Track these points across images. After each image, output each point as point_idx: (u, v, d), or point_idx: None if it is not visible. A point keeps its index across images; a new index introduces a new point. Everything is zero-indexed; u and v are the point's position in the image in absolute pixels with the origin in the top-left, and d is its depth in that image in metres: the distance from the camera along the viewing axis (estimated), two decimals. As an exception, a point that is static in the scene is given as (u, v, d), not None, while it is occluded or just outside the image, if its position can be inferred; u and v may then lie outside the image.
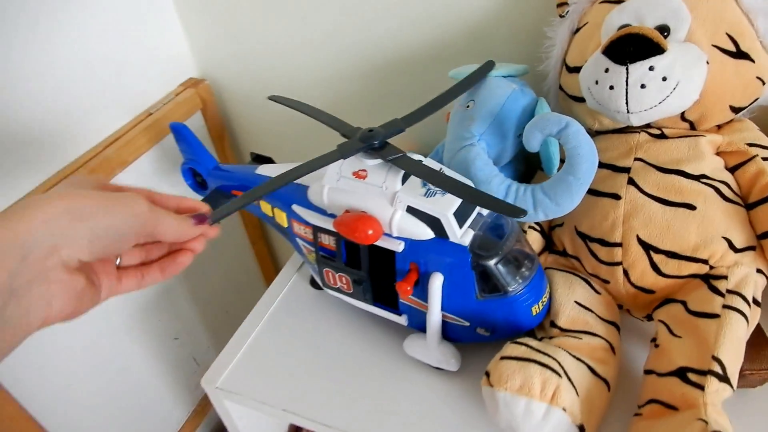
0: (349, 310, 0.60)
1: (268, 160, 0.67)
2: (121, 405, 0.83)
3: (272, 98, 0.58)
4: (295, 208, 0.55)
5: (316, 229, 0.53)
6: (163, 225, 0.38)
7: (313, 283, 0.64)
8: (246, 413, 0.62)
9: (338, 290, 0.57)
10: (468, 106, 0.54)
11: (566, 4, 0.56)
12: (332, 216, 0.52)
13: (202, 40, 0.83)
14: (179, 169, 0.70)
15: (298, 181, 0.55)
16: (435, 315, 0.49)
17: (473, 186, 0.49)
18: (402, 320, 0.54)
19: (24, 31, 0.61)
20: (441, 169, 0.49)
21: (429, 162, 0.49)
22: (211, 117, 0.87)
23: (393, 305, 0.54)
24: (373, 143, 0.47)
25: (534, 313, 0.49)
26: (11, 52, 0.60)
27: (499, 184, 0.49)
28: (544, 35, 0.58)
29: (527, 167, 0.60)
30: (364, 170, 0.49)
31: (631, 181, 0.49)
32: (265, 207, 0.60)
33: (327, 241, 0.53)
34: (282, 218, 0.58)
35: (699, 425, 0.38)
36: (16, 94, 0.62)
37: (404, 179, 0.47)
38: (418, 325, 0.53)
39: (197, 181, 0.69)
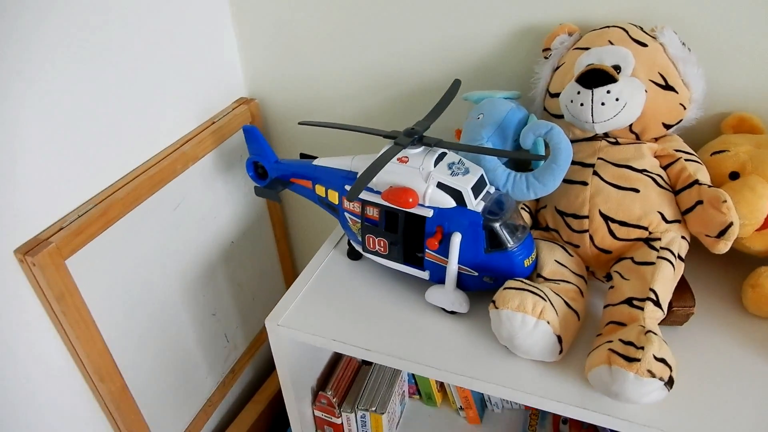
0: (383, 273, 0.77)
1: (313, 158, 0.85)
2: (164, 369, 0.96)
3: (302, 123, 0.78)
4: (348, 187, 0.73)
5: (365, 203, 0.71)
6: None
7: (351, 255, 0.81)
8: (298, 347, 0.77)
9: (376, 253, 0.74)
10: (478, 118, 0.74)
11: (549, 49, 0.77)
12: (378, 192, 0.70)
13: (254, 67, 1.03)
14: (242, 163, 0.87)
15: (350, 168, 0.74)
16: (453, 265, 0.67)
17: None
18: (425, 275, 0.71)
19: (126, 41, 0.80)
20: (461, 159, 0.68)
21: (452, 153, 0.68)
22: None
23: (419, 264, 0.71)
24: (415, 137, 0.66)
25: (526, 265, 0.67)
26: (121, 59, 0.78)
27: (503, 171, 0.68)
28: (533, 71, 0.78)
29: (517, 167, 0.80)
30: (406, 157, 0.67)
31: (595, 173, 0.68)
32: (320, 189, 0.77)
33: (371, 213, 0.71)
34: (334, 197, 0.75)
35: (639, 328, 0.57)
36: (105, 93, 0.77)
37: (436, 163, 0.66)
38: (438, 279, 0.70)
39: (258, 173, 0.86)
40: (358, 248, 0.77)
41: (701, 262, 0.74)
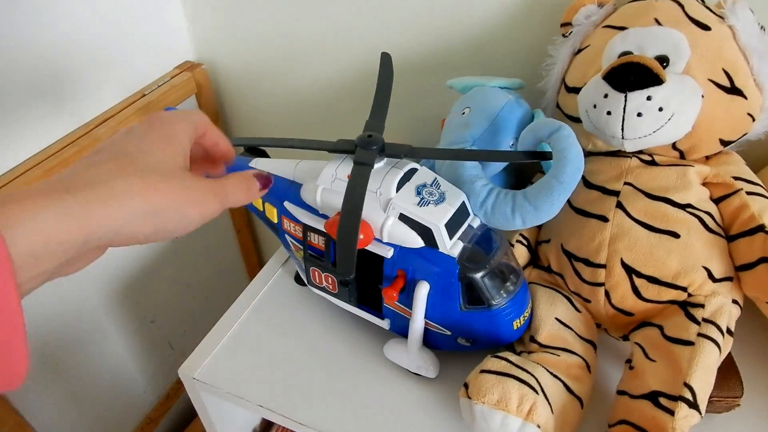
0: (332, 310, 0.61)
1: (262, 154, 0.67)
2: (95, 384, 0.82)
3: (236, 144, 0.54)
4: (287, 205, 0.55)
5: (307, 228, 0.53)
6: (233, 200, 0.38)
7: (298, 280, 0.64)
8: (220, 404, 0.62)
9: (323, 289, 0.57)
10: (464, 113, 0.55)
11: (570, 24, 0.56)
12: (324, 216, 0.52)
13: (202, 23, 0.82)
14: None
15: (293, 178, 0.55)
16: (418, 323, 0.50)
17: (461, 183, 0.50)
18: (384, 324, 0.55)
19: None
20: (435, 179, 0.49)
21: (423, 170, 0.50)
22: (206, 103, 0.87)
23: (377, 308, 0.54)
24: (374, 147, 0.47)
25: (515, 327, 0.50)
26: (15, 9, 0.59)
27: (482, 186, 0.49)
28: (545, 53, 0.58)
29: (518, 182, 0.61)
30: None
31: (620, 205, 0.50)
32: (257, 201, 0.59)
33: (316, 240, 0.54)
34: (272, 213, 0.58)
35: (667, 450, 0.40)
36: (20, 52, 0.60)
37: (399, 186, 0.48)
38: (400, 330, 0.54)
39: None
40: (304, 279, 0.60)
41: (753, 327, 0.55)
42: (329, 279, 0.55)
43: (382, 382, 0.54)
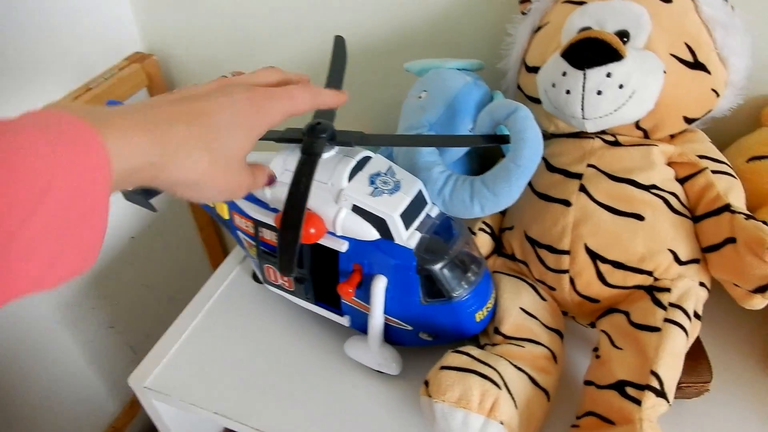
0: (291, 309, 0.58)
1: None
2: (51, 396, 0.78)
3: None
4: (242, 204, 0.51)
5: (258, 224, 0.50)
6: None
7: (255, 278, 0.61)
8: (177, 414, 0.59)
9: (279, 287, 0.54)
10: (420, 96, 0.52)
11: (529, 1, 0.54)
12: (275, 210, 0.49)
13: (150, 13, 0.78)
14: None
15: None
16: (377, 318, 0.47)
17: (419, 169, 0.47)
18: (344, 321, 0.52)
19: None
20: (390, 167, 0.47)
21: (377, 158, 0.47)
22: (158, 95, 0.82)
23: (335, 305, 0.51)
24: (323, 135, 0.43)
25: (478, 320, 0.47)
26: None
27: (440, 173, 0.47)
28: (505, 32, 0.56)
29: (482, 168, 0.58)
30: None
31: (583, 188, 0.48)
32: None
33: (269, 236, 0.51)
34: (223, 209, 0.54)
35: (634, 442, 0.38)
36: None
37: (351, 176, 0.45)
38: (361, 326, 0.51)
39: None
40: (259, 276, 0.57)
41: (721, 310, 0.52)
42: (285, 276, 0.52)
43: (343, 381, 0.52)
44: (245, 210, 0.51)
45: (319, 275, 0.50)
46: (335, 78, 0.49)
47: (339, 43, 0.52)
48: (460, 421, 0.40)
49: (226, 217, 0.55)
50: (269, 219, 0.49)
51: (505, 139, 0.44)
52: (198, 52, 0.81)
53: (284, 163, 0.47)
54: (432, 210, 0.47)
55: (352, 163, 0.45)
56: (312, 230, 0.44)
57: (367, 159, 0.47)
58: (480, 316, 0.47)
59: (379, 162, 0.47)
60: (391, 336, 0.50)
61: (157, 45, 0.82)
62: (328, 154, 0.45)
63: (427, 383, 0.42)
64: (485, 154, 0.60)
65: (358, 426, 0.48)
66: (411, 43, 0.67)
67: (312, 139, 0.44)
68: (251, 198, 0.50)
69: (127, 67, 0.77)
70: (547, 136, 0.55)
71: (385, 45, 0.68)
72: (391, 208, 0.43)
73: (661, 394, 0.41)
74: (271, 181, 0.45)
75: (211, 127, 0.34)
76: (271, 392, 0.51)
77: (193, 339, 0.56)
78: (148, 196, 0.56)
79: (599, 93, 0.43)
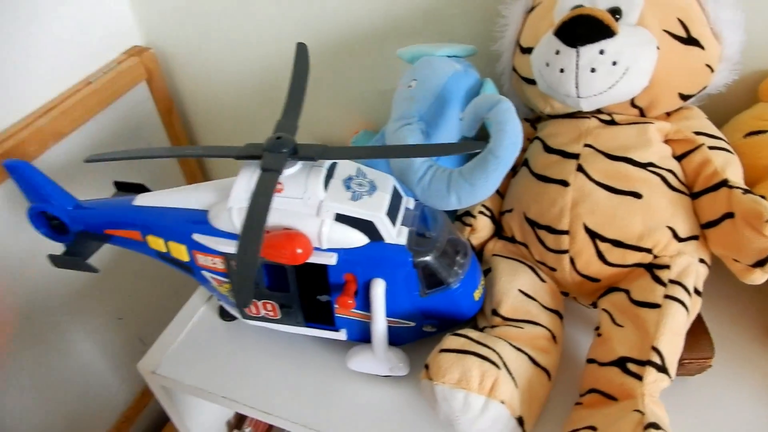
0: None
1: (139, 188, 0.55)
2: (62, 389, 0.80)
3: (89, 161, 0.48)
4: (198, 237, 0.46)
5: (230, 257, 0.46)
6: None
7: (223, 314, 0.58)
8: (188, 400, 0.60)
9: (263, 319, 0.51)
10: (410, 86, 0.52)
11: (522, -19, 0.53)
12: None
13: (148, 6, 0.78)
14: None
15: (190, 206, 0.48)
16: (380, 323, 0.46)
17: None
18: (341, 335, 0.50)
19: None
20: (358, 168, 0.45)
21: (343, 162, 0.45)
22: (158, 89, 0.83)
23: (329, 322, 0.49)
24: (285, 150, 0.42)
25: (476, 298, 0.48)
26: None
27: (422, 162, 0.47)
28: (499, 13, 0.56)
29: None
30: (278, 183, 0.42)
31: (580, 168, 0.48)
32: (156, 242, 0.49)
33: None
34: (180, 252, 0.49)
35: (635, 416, 0.38)
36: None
37: (326, 184, 0.43)
38: (359, 336, 0.50)
39: (53, 225, 0.53)
40: (235, 314, 0.54)
41: (721, 286, 0.53)
42: (268, 306, 0.49)
43: (350, 372, 0.52)
44: (211, 246, 0.46)
45: (306, 295, 0.48)
46: (297, 88, 0.47)
47: (301, 51, 0.50)
48: (461, 402, 0.40)
49: (186, 259, 0.49)
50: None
51: (477, 146, 0.43)
52: (196, 44, 0.81)
53: (248, 184, 0.43)
54: (408, 203, 0.47)
55: (324, 172, 0.43)
56: (299, 250, 0.42)
57: (334, 165, 0.45)
58: (477, 294, 0.48)
59: (346, 166, 0.45)
60: (393, 337, 0.48)
61: (156, 38, 0.82)
62: (292, 170, 0.43)
63: (427, 367, 0.43)
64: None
65: (365, 405, 0.49)
66: (404, 27, 0.67)
67: (272, 154, 0.42)
68: (215, 232, 0.46)
69: (125, 61, 0.78)
70: (544, 118, 0.55)
71: (377, 30, 0.68)
72: (375, 209, 0.42)
73: (662, 369, 0.41)
74: None
75: None
76: (279, 379, 0.52)
77: (199, 327, 0.57)
78: (84, 251, 0.52)
79: (593, 70, 0.43)
